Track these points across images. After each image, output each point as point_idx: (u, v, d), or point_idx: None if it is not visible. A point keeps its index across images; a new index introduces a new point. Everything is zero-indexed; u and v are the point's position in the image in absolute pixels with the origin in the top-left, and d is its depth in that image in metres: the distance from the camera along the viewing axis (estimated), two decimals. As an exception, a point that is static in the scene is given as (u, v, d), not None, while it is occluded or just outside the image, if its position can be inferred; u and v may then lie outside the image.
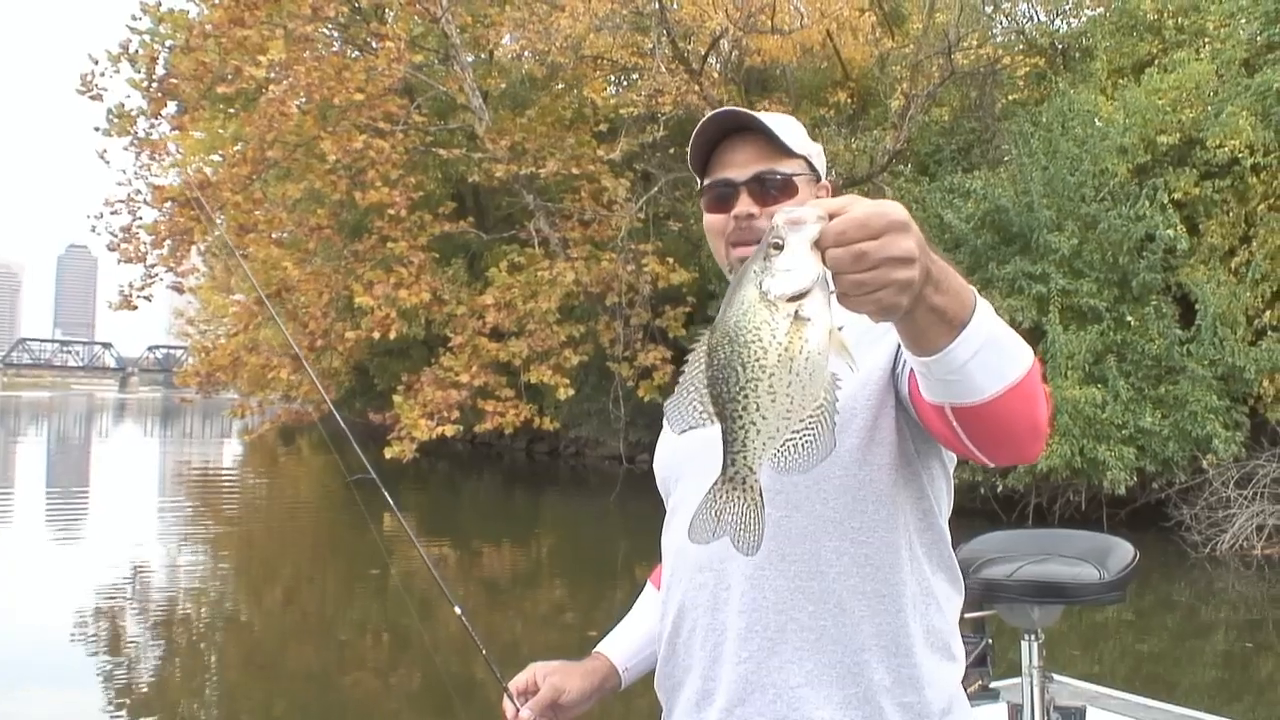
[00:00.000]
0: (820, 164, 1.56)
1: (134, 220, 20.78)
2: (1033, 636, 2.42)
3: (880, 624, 1.43)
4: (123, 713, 6.65)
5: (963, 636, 3.89)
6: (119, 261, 21.19)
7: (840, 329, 1.38)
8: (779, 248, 0.94)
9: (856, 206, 0.98)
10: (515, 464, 25.07)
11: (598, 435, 20.11)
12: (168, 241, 19.73)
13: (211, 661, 8.43)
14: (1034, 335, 12.94)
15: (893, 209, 0.98)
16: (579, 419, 20.15)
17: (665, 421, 1.32)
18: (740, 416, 0.96)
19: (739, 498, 1.00)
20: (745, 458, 0.98)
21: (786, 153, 1.49)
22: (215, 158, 24.42)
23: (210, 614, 10.16)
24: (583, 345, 16.80)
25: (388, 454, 15.90)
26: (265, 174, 18.17)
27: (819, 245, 0.94)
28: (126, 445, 40.14)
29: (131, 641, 8.64)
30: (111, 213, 20.98)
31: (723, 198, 1.48)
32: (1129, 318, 12.50)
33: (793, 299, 0.94)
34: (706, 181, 1.50)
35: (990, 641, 3.52)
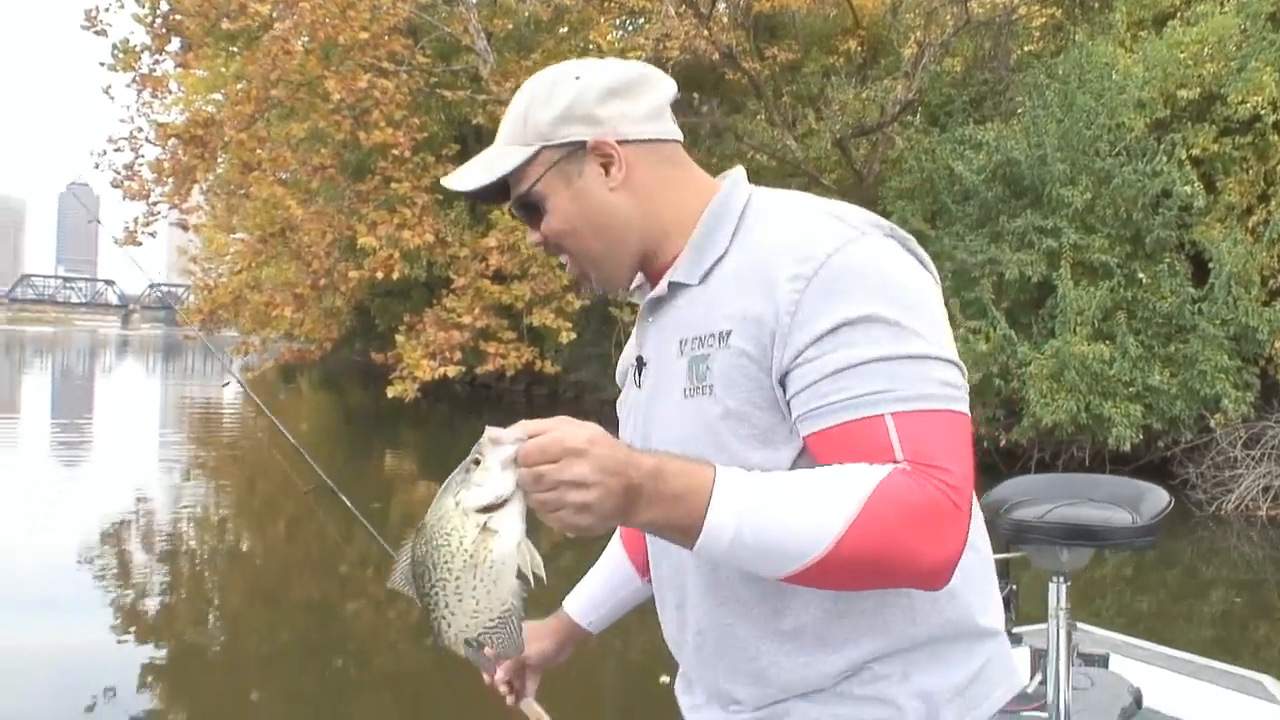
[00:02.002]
0: (574, 123, 1.25)
1: (136, 158, 20.64)
2: (1060, 579, 2.38)
3: (873, 644, 1.24)
4: (129, 639, 6.67)
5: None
6: (123, 198, 21.10)
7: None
8: (478, 463, 1.04)
9: (552, 432, 1.02)
10: (514, 406, 25.04)
11: (597, 380, 20.05)
12: (171, 179, 19.60)
13: (216, 591, 8.47)
14: (1043, 290, 12.86)
15: (573, 437, 1.01)
16: (579, 363, 20.11)
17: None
18: (434, 609, 1.06)
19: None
20: (445, 640, 1.08)
21: (523, 168, 1.27)
22: (217, 97, 24.20)
23: (214, 544, 10.22)
24: (585, 289, 16.68)
25: (390, 393, 15.84)
26: (269, 113, 17.99)
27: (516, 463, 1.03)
28: (129, 380, 40.17)
29: (137, 570, 8.70)
30: (114, 149, 20.81)
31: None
32: (1141, 275, 12.37)
33: (483, 510, 1.03)
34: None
35: (1015, 587, 3.47)
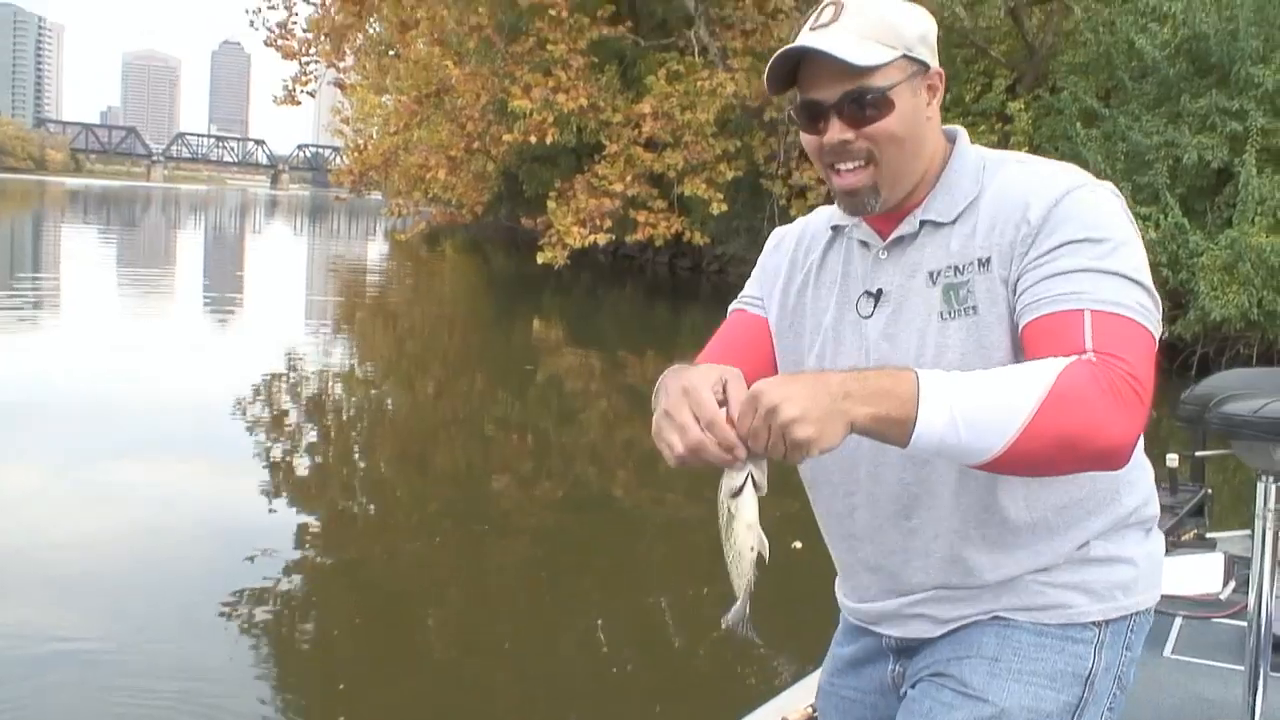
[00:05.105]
0: (926, 48, 1.34)
1: (290, 16, 20.97)
2: (1270, 479, 2.21)
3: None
4: (281, 497, 6.76)
5: (1181, 486, 3.67)
6: (282, 57, 21.53)
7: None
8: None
9: (742, 399, 1.14)
10: (658, 278, 25.15)
11: (744, 253, 19.97)
12: (326, 37, 19.90)
13: (363, 452, 8.61)
14: (1222, 177, 12.18)
15: (765, 393, 1.12)
16: (727, 235, 20.00)
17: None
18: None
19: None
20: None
21: (880, 68, 1.30)
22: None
23: (360, 403, 10.56)
24: (736, 161, 16.47)
25: (540, 259, 16.06)
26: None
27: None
28: (279, 240, 41.63)
29: (287, 426, 8.88)
30: (269, 7, 21.16)
31: (813, 118, 1.34)
32: (1334, 163, 11.63)
33: (732, 496, 1.20)
34: (796, 102, 1.35)
35: (1210, 491, 3.32)
